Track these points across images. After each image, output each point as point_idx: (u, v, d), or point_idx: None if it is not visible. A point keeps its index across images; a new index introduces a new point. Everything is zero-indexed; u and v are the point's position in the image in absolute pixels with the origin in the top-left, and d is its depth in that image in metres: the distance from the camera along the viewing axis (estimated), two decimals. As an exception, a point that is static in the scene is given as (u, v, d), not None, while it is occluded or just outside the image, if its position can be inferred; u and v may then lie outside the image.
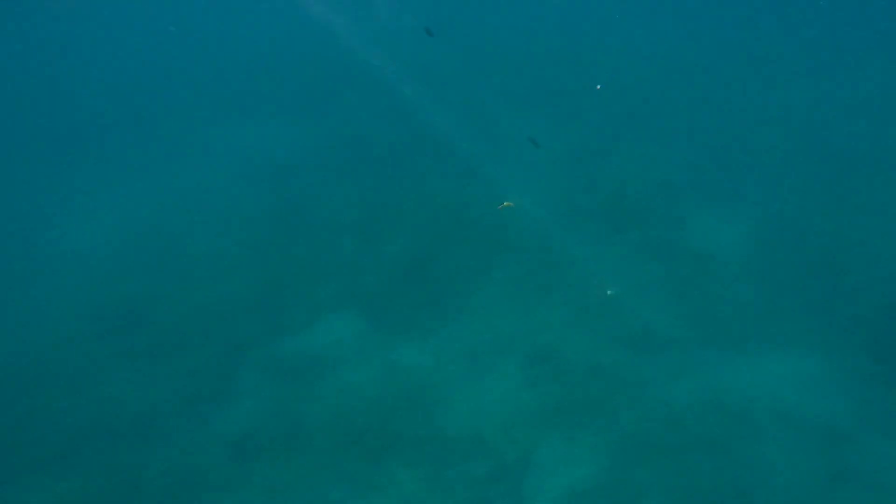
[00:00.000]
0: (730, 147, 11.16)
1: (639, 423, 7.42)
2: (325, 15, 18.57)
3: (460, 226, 10.92)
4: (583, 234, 10.26)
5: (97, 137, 15.40)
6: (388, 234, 11.02)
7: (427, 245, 10.71)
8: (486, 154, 11.89)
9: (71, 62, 19.29)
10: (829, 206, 10.25)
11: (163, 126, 15.47)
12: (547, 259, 10.08)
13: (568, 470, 7.16)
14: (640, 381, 8.05)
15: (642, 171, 10.96)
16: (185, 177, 13.43)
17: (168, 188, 13.12)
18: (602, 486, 6.84)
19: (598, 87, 12.98)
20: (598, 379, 8.19)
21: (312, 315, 9.88)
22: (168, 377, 9.06)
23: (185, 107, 16.36)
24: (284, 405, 8.61)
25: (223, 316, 9.95)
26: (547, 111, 12.84)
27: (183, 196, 12.81)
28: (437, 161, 12.41)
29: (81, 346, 9.71)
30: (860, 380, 7.61)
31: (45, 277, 11.25)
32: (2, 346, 9.90)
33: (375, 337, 9.47)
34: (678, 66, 14.62)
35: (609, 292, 9.41)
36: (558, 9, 18.30)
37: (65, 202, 13.14)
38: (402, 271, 10.32)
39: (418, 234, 10.89)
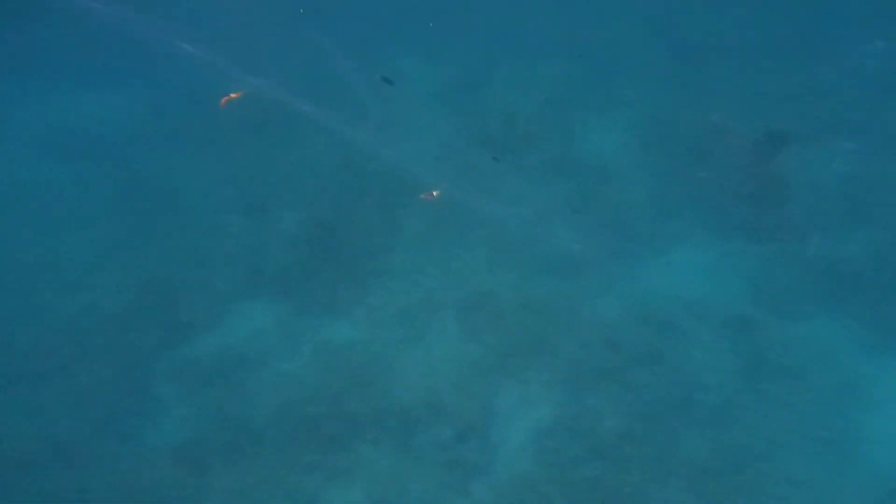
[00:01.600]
0: (600, 54, 11.25)
1: (580, 350, 7.97)
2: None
3: (357, 183, 10.09)
4: (482, 168, 9.99)
5: None
6: (277, 206, 9.94)
7: (325, 211, 9.77)
8: (370, 99, 10.92)
9: None
10: (688, 96, 10.82)
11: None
12: (453, 201, 9.71)
13: (528, 412, 7.62)
14: (570, 306, 8.51)
15: (525, 94, 10.75)
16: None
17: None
18: (562, 419, 7.41)
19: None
20: (532, 313, 8.49)
21: (217, 309, 8.87)
22: (65, 401, 7.93)
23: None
24: (221, 409, 8.00)
25: (105, 327, 8.61)
26: (420, 47, 11.88)
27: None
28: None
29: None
30: (749, 262, 8.70)
31: None
32: None
33: (298, 320, 8.82)
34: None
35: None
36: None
37: None
38: (306, 244, 9.43)
39: (312, 201, 9.87)
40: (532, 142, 10.07)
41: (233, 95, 10.45)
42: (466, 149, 10.11)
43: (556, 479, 6.93)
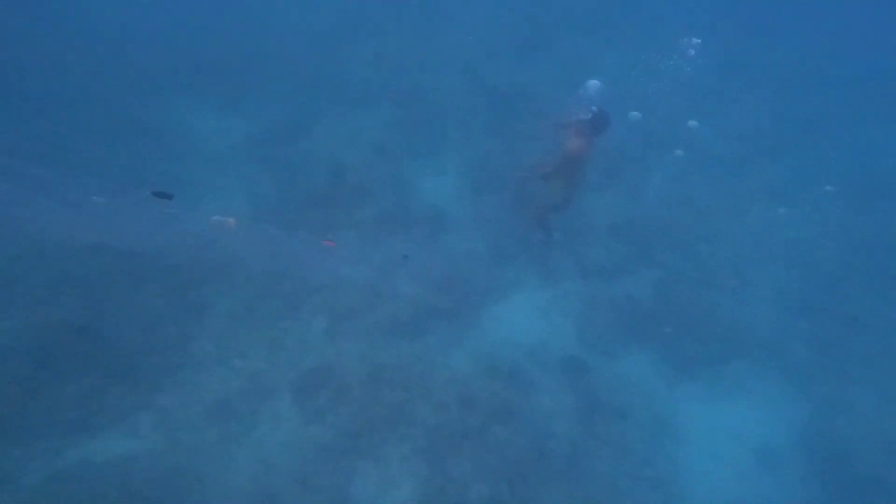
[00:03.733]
0: (423, 100, 11.40)
1: (437, 415, 7.75)
2: None
3: (136, 267, 8.20)
4: (312, 226, 9.21)
5: None
6: None
7: (74, 310, 7.82)
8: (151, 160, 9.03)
9: None
10: (504, 140, 11.69)
11: None
12: (277, 270, 8.63)
13: (391, 493, 7.09)
14: (422, 368, 8.22)
15: (352, 143, 10.21)
16: None
17: None
18: (429, 495, 7.04)
19: None
20: (381, 383, 7.90)
21: None
22: None
23: None
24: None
25: None
26: (218, 101, 10.36)
27: None
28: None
29: None
30: (573, 303, 9.57)
31: None
32: None
33: (17, 451, 6.62)
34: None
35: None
36: None
37: None
38: (41, 353, 7.28)
39: (48, 298, 7.81)
40: (365, 194, 9.61)
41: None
42: (290, 207, 9.10)
43: (429, 565, 6.58)
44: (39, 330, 7.30)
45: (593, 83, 8.11)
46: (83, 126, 9.97)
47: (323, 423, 7.54)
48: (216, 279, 8.40)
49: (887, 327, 9.97)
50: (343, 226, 9.34)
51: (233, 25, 13.35)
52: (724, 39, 15.69)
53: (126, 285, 8.02)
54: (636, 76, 11.32)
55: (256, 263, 8.67)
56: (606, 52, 14.78)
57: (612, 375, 8.65)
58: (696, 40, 11.62)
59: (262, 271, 8.60)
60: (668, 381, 8.82)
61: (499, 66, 13.20)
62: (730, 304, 9.97)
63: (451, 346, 8.50)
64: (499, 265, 9.61)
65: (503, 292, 9.36)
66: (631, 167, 11.78)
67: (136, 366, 7.36)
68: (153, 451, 6.83)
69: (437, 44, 13.99)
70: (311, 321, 8.41)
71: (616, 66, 13.74)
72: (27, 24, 12.11)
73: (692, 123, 12.70)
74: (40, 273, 7.84)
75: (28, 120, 9.83)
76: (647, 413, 8.35)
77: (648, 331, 9.31)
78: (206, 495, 6.70)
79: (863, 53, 17.52)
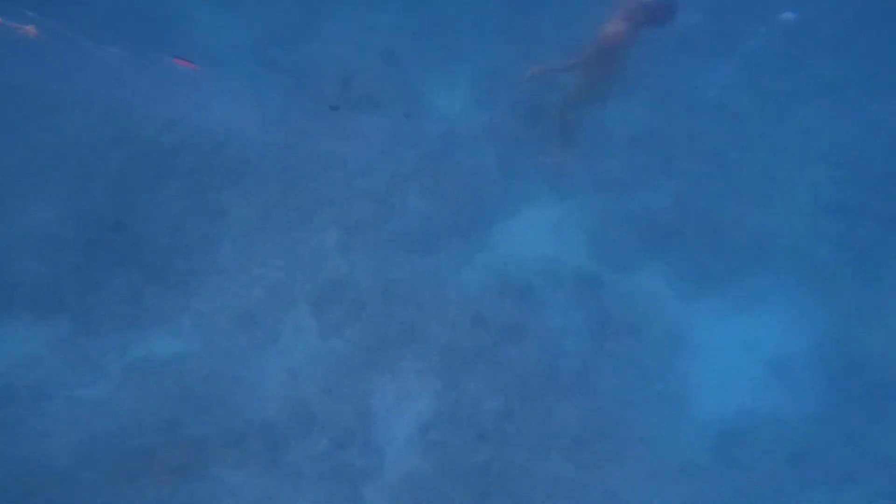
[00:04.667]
0: (434, 2, 10.57)
1: (450, 333, 8.07)
2: None
3: (152, 162, 8.25)
4: (321, 136, 8.97)
5: None
6: (19, 197, 7.78)
7: (103, 204, 7.91)
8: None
9: None
10: (521, 46, 10.92)
11: None
12: (288, 180, 8.63)
13: (408, 406, 7.59)
14: (434, 285, 8.44)
15: (360, 49, 9.61)
16: None
17: None
18: (443, 408, 7.56)
19: None
20: (394, 299, 8.24)
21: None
22: None
23: None
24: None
25: None
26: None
27: None
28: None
29: None
30: (586, 217, 9.41)
31: None
32: None
33: (88, 339, 7.24)
34: None
35: None
36: None
37: None
38: (77, 247, 7.61)
39: (80, 190, 7.92)
40: (374, 105, 9.27)
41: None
42: (299, 114, 8.91)
43: (448, 472, 7.17)
44: (81, 221, 7.78)
45: None
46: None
47: (341, 338, 7.91)
48: (231, 183, 8.47)
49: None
50: (353, 136, 9.12)
51: None
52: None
53: (149, 182, 8.24)
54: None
55: (268, 170, 8.68)
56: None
57: (625, 291, 8.73)
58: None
59: (273, 179, 8.64)
60: (683, 295, 8.86)
61: None
62: (756, 211, 9.59)
63: (463, 263, 8.59)
64: (510, 179, 9.39)
65: (515, 207, 9.24)
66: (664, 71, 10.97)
67: (168, 266, 7.80)
68: (196, 352, 7.48)
69: None
70: (324, 233, 8.48)
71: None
72: None
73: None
74: (67, 162, 8.11)
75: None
76: (660, 329, 8.51)
77: (666, 244, 9.18)
78: (245, 398, 7.39)
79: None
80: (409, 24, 10.42)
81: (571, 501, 7.49)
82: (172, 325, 7.59)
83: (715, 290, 9.03)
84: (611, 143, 10.13)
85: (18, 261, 7.52)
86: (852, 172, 10.15)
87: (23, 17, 8.60)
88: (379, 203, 8.87)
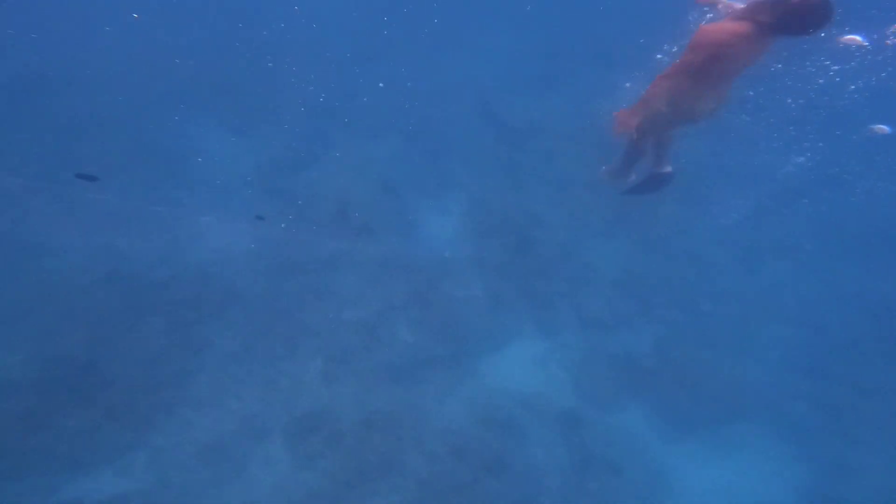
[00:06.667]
0: (431, 134, 11.77)
1: (429, 466, 8.04)
2: None
3: (137, 300, 8.62)
4: (313, 267, 9.61)
5: None
6: None
7: (76, 345, 8.05)
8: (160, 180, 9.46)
9: None
10: (512, 178, 12.04)
11: None
12: (277, 310, 9.06)
13: (380, 546, 7.40)
14: (416, 416, 8.54)
15: (359, 177, 10.62)
16: None
17: None
18: (419, 550, 7.36)
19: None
20: (375, 430, 8.30)
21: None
22: None
23: None
24: None
25: None
26: (229, 121, 10.89)
27: None
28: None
29: None
30: (571, 354, 9.83)
31: None
32: None
33: (15, 485, 6.81)
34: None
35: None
36: None
37: None
38: (35, 388, 7.54)
39: (52, 332, 8.09)
40: (368, 233, 9.96)
41: None
42: (294, 244, 9.50)
43: None
44: (45, 364, 7.85)
45: None
46: (97, 144, 10.46)
47: (314, 469, 7.82)
48: (217, 315, 8.84)
49: (896, 393, 10.08)
50: (345, 266, 9.71)
51: (250, 46, 13.85)
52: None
53: (131, 319, 8.51)
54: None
55: (256, 301, 9.08)
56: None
57: (607, 430, 8.89)
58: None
59: (261, 310, 9.02)
60: (664, 437, 9.04)
61: (512, 100, 13.53)
62: (731, 363, 10.15)
63: (447, 394, 8.78)
64: (497, 313, 9.92)
65: (501, 341, 9.65)
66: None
67: (133, 403, 7.77)
68: (144, 490, 7.17)
69: (450, 73, 14.40)
70: (308, 363, 8.75)
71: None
72: (42, 37, 12.70)
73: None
74: (49, 305, 8.40)
75: (44, 136, 10.38)
76: (642, 469, 8.56)
77: (646, 387, 9.54)
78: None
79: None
80: (407, 155, 11.46)
81: None
82: (122, 464, 7.37)
83: (694, 434, 9.23)
84: (597, 282, 10.93)
85: None
86: (817, 334, 10.96)
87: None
88: (367, 334, 9.25)
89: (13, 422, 7.35)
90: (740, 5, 4.60)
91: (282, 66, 13.48)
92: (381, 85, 12.61)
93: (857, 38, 8.80)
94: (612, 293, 10.59)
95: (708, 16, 5.33)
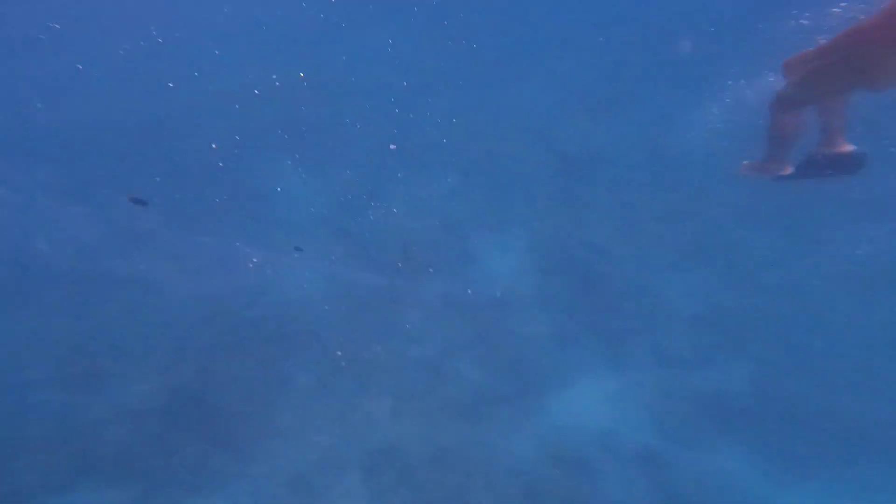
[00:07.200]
0: (490, 168, 11.84)
1: (496, 502, 7.93)
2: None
3: (230, 338, 9.39)
4: (379, 304, 9.94)
5: None
6: (113, 376, 8.80)
7: (186, 376, 8.94)
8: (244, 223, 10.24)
9: None
10: (575, 212, 11.86)
11: None
12: (348, 349, 9.43)
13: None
14: (484, 453, 8.46)
15: (420, 215, 10.92)
16: None
17: None
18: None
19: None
20: (444, 467, 8.30)
21: None
22: None
23: None
24: None
25: None
26: (301, 161, 11.63)
27: None
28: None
29: None
30: (648, 392, 9.41)
31: None
32: None
33: None
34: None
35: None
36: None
37: None
38: (158, 417, 8.45)
39: (168, 366, 9.04)
40: (431, 271, 10.17)
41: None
42: (361, 284, 9.91)
43: None
44: (166, 394, 8.89)
45: None
46: (197, 186, 11.41)
47: (381, 501, 7.99)
48: (297, 352, 9.48)
49: None
50: (409, 304, 10.00)
51: (320, 83, 14.60)
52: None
53: (228, 354, 9.38)
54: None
55: (329, 338, 9.63)
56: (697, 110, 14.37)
57: (695, 470, 8.37)
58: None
59: (333, 347, 9.53)
60: (773, 479, 8.33)
61: (572, 129, 13.37)
62: (848, 400, 9.26)
63: (514, 431, 8.65)
64: (564, 349, 9.77)
65: (569, 378, 9.44)
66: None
67: (234, 433, 8.56)
68: None
69: (508, 103, 14.46)
70: (378, 399, 9.04)
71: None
72: (137, 84, 13.95)
73: None
74: (165, 340, 9.48)
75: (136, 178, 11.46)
76: (744, 510, 7.98)
77: (744, 428, 8.90)
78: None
79: None
80: (466, 190, 11.58)
81: None
82: (230, 491, 8.01)
83: (814, 476, 8.45)
84: (674, 317, 10.44)
85: (109, 432, 8.35)
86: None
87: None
88: (432, 371, 9.42)
89: (145, 447, 8.31)
90: None
91: (344, 105, 14.06)
92: (438, 120, 12.91)
93: None
94: (693, 329, 10.11)
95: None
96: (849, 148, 4.76)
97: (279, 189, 11.47)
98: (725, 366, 9.63)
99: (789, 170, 5.16)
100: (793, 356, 9.86)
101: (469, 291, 9.98)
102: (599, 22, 16.10)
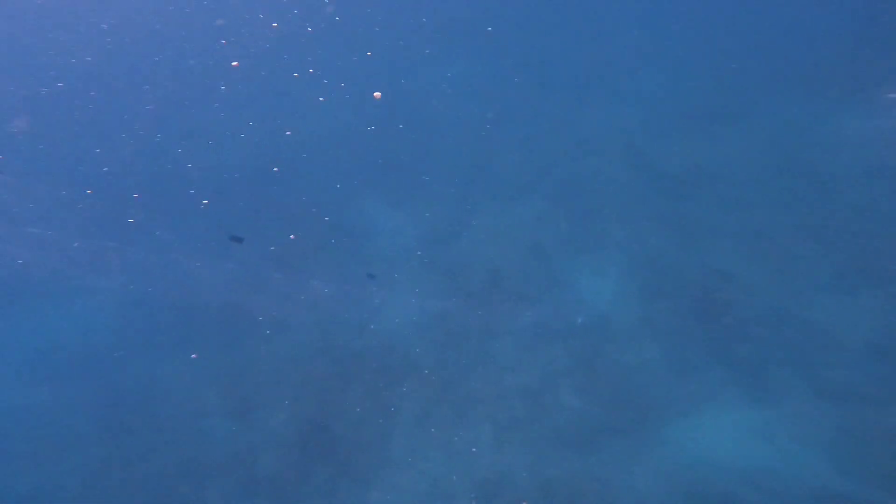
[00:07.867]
0: (578, 190, 11.16)
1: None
2: None
3: (341, 369, 9.32)
4: (473, 334, 9.25)
5: None
6: (262, 405, 9.11)
7: (310, 405, 9.04)
8: (345, 260, 10.54)
9: None
10: (683, 233, 10.52)
11: None
12: (446, 378, 8.89)
13: None
14: (598, 485, 7.17)
15: (508, 242, 10.48)
16: None
17: None
18: None
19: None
20: (555, 500, 7.22)
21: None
22: None
23: None
24: None
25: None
26: (388, 194, 12.00)
27: None
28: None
29: None
30: (814, 425, 7.52)
31: None
32: None
33: None
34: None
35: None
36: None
37: None
38: (297, 445, 8.58)
39: (297, 395, 9.22)
40: (522, 299, 9.45)
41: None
42: (454, 313, 9.49)
43: None
44: (297, 424, 9.00)
45: None
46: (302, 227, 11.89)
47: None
48: (398, 383, 9.11)
49: None
50: (501, 332, 9.18)
51: (397, 119, 14.15)
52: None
53: (341, 385, 9.30)
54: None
55: (428, 369, 9.18)
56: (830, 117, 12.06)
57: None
58: None
59: (432, 377, 9.03)
60: None
61: (669, 145, 12.16)
62: None
63: (633, 463, 7.16)
64: (682, 377, 8.41)
65: (690, 408, 8.04)
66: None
67: (354, 461, 8.44)
68: None
69: (594, 122, 13.31)
70: (479, 428, 8.30)
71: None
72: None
73: None
74: (289, 373, 9.58)
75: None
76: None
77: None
78: None
79: None
80: (553, 214, 10.85)
81: None
82: None
83: None
84: (837, 349, 8.59)
85: (260, 459, 8.51)
86: None
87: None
88: (531, 400, 8.44)
89: (285, 475, 8.40)
90: None
91: (425, 137, 13.58)
92: (519, 147, 12.53)
93: None
94: (863, 358, 8.29)
95: None
96: None
97: (369, 224, 11.37)
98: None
99: None
100: None
101: (579, 320, 9.14)
102: (695, 34, 14.70)
